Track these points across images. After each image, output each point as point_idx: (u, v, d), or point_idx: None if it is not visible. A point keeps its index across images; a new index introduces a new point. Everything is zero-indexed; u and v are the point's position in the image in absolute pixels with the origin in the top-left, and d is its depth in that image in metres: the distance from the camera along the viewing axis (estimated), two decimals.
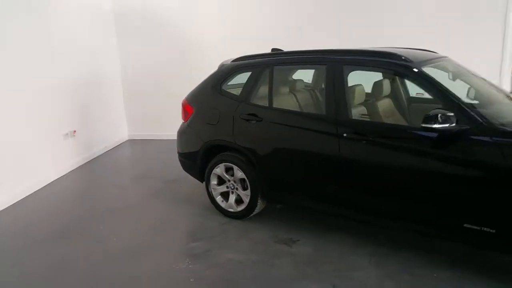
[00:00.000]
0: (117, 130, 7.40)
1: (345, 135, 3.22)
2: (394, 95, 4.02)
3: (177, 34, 6.98)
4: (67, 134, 5.95)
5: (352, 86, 3.49)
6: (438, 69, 3.42)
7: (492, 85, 3.71)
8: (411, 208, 3.09)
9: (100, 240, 3.75)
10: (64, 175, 5.66)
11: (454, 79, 3.54)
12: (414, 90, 4.04)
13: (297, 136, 3.53)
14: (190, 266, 3.27)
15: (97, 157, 6.50)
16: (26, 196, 4.85)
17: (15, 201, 4.68)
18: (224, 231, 3.84)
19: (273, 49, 4.23)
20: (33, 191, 4.99)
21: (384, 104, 3.78)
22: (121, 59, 7.40)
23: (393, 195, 3.15)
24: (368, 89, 3.78)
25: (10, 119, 4.71)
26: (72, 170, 5.86)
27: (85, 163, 6.18)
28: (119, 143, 7.30)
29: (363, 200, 3.30)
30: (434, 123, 2.74)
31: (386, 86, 3.86)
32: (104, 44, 7.01)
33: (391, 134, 3.11)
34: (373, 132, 3.14)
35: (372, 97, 3.75)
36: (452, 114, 2.76)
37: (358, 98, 3.52)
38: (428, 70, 3.17)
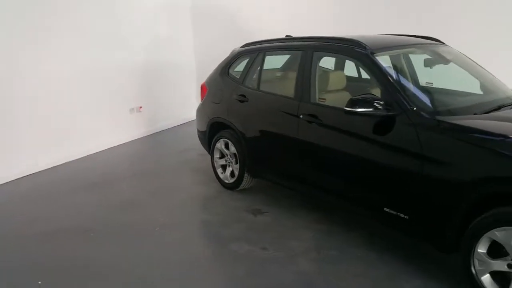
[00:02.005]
0: (186, 110, 8.28)
1: (301, 116, 3.47)
2: (354, 80, 4.05)
3: (244, 27, 7.50)
4: (133, 108, 6.98)
5: (327, 71, 3.68)
6: (406, 55, 3.57)
7: (490, 79, 3.57)
8: (346, 188, 3.25)
9: (117, 192, 4.58)
10: (126, 142, 6.68)
11: (430, 66, 3.52)
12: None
13: (271, 117, 3.87)
14: (167, 219, 3.85)
15: (162, 131, 7.44)
16: (93, 153, 6.01)
17: (84, 156, 5.87)
18: (214, 198, 4.35)
19: (286, 36, 4.54)
20: (98, 151, 6.12)
21: (343, 89, 3.85)
22: (195, 49, 8.26)
23: (333, 175, 3.34)
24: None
25: (86, 92, 5.93)
26: (133, 139, 6.86)
27: (148, 135, 7.14)
28: (187, 121, 8.17)
29: (314, 177, 3.53)
30: (358, 107, 2.87)
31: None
32: (179, 35, 7.94)
33: (334, 117, 3.27)
34: (322, 115, 3.34)
35: (338, 81, 3.86)
36: (378, 98, 2.85)
37: (328, 83, 3.70)
38: (385, 57, 3.26)
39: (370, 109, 2.85)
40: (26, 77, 5.08)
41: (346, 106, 2.92)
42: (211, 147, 4.68)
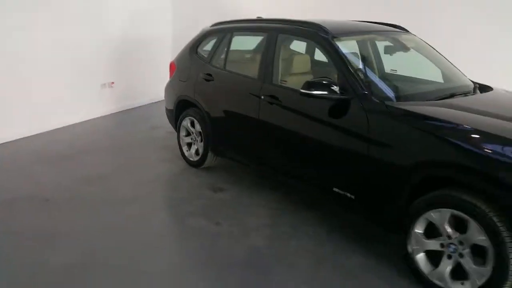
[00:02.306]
0: (161, 88, 8.19)
1: (262, 97, 3.54)
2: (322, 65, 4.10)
3: (228, 5, 7.44)
4: (104, 84, 6.91)
5: (292, 54, 3.74)
6: (372, 41, 3.70)
7: (449, 67, 3.71)
8: (300, 168, 3.35)
9: (81, 165, 4.59)
10: (97, 117, 6.65)
11: (389, 53, 3.61)
12: None
13: (235, 97, 3.92)
14: (128, 193, 3.91)
15: (133, 108, 7.40)
16: (62, 127, 5.99)
17: (52, 129, 5.84)
18: (178, 175, 4.42)
19: (257, 17, 4.56)
20: (68, 124, 6.11)
21: (305, 72, 3.90)
22: (173, 25, 8.14)
23: (289, 155, 3.43)
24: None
25: (57, 66, 5.87)
26: (105, 115, 6.82)
27: (120, 111, 7.10)
28: (162, 99, 8.10)
29: (272, 158, 3.62)
30: (313, 90, 2.94)
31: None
32: (157, 8, 7.82)
33: (292, 99, 3.34)
34: (282, 96, 3.40)
35: (302, 65, 3.92)
36: (334, 82, 2.93)
37: (292, 66, 3.76)
38: (347, 42, 3.33)
39: (325, 92, 2.92)
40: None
41: (301, 88, 2.99)
42: (178, 124, 4.72)
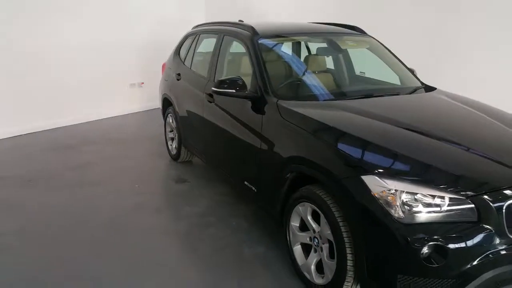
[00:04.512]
0: None
1: (204, 95, 3.80)
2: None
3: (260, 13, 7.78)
4: (134, 84, 7.62)
5: (238, 55, 3.95)
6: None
7: (398, 68, 3.74)
8: (225, 163, 3.57)
9: (79, 154, 5.22)
10: (124, 114, 7.39)
11: (324, 54, 3.68)
12: None
13: (191, 95, 4.21)
14: (101, 179, 4.41)
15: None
16: (93, 120, 6.84)
17: (83, 122, 6.72)
18: (155, 167, 4.85)
19: (239, 21, 4.83)
20: (99, 119, 6.95)
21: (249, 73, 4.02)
22: None
23: (218, 151, 3.67)
24: None
25: (91, 65, 6.72)
26: (132, 112, 7.53)
27: (148, 110, 7.76)
28: None
29: (211, 153, 3.88)
30: (222, 88, 3.14)
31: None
32: (191, 16, 8.31)
33: (221, 98, 3.53)
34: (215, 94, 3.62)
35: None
36: (242, 81, 3.11)
37: (241, 66, 3.95)
38: (272, 43, 3.48)
39: (233, 91, 3.10)
40: (40, 47, 6.04)
41: (213, 87, 3.20)
42: (164, 121, 5.14)
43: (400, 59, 3.86)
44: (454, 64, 5.08)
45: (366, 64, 3.98)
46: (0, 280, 2.70)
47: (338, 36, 3.79)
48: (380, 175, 2.11)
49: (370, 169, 2.16)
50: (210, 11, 8.58)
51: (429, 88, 3.49)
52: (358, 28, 4.02)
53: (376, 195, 2.08)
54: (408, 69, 3.80)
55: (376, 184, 2.09)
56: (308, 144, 2.53)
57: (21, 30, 5.81)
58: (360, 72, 4.16)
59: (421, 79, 3.70)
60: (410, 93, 3.36)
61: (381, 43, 3.92)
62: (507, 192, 2.06)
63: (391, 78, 3.77)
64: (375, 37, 3.95)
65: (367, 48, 3.89)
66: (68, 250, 3.05)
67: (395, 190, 2.05)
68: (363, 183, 2.12)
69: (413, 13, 5.43)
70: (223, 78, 3.19)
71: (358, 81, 3.84)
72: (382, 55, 3.83)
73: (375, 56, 3.85)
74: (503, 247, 2.00)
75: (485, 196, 2.03)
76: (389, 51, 3.88)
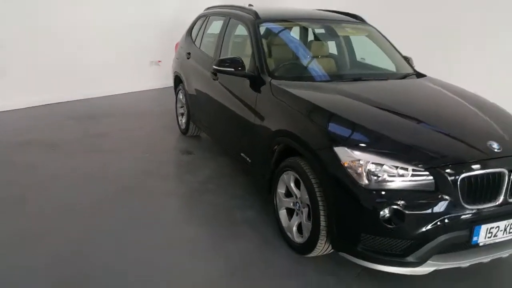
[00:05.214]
0: None
1: (209, 73, 4.10)
2: None
3: None
4: (152, 61, 7.99)
5: (243, 37, 4.23)
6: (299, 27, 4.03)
7: (391, 54, 3.97)
8: (225, 136, 3.90)
9: (97, 125, 5.65)
10: (142, 90, 7.83)
11: (317, 40, 3.95)
12: None
13: (199, 72, 4.52)
14: (114, 147, 4.81)
15: None
16: (114, 94, 7.36)
17: (105, 95, 7.21)
18: (165, 139, 5.21)
19: (249, 5, 5.10)
20: (120, 93, 7.45)
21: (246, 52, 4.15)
22: None
23: (220, 125, 4.00)
24: None
25: (115, 44, 7.22)
26: (149, 89, 7.92)
27: (162, 87, 8.13)
28: None
29: (215, 128, 4.21)
30: (222, 66, 3.44)
31: None
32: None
33: (224, 76, 3.81)
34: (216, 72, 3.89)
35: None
36: (241, 61, 3.40)
37: (245, 48, 4.22)
38: (272, 27, 3.75)
39: (232, 69, 3.40)
40: (69, 27, 6.59)
41: (214, 65, 3.51)
42: (176, 97, 5.48)
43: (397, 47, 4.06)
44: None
45: (366, 51, 4.21)
46: (15, 226, 3.10)
47: (336, 23, 4.02)
48: (350, 146, 2.40)
49: (342, 142, 2.45)
50: None
51: (419, 75, 3.72)
52: (359, 16, 4.24)
53: (346, 164, 2.37)
54: (404, 57, 4.00)
55: (346, 155, 2.38)
56: (292, 119, 2.83)
57: (51, 12, 6.34)
58: (361, 58, 4.40)
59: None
60: (399, 79, 3.59)
61: (379, 32, 4.13)
62: (463, 166, 2.32)
63: (387, 64, 4.00)
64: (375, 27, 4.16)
65: (366, 36, 4.11)
66: (77, 203, 3.45)
67: (362, 160, 2.33)
68: (335, 154, 2.42)
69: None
70: (223, 57, 3.47)
71: (351, 66, 4.08)
72: (380, 43, 4.05)
73: (373, 43, 4.08)
74: (457, 215, 2.27)
75: (443, 170, 2.29)
76: (387, 39, 4.09)
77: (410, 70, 3.81)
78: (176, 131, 5.42)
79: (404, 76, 3.65)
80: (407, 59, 4.00)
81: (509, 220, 2.37)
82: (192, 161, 4.50)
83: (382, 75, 3.72)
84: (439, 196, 2.26)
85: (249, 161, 3.41)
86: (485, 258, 2.41)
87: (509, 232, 2.40)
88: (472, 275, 2.68)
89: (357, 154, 2.36)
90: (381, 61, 4.02)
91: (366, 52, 4.21)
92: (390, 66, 3.93)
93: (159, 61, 8.12)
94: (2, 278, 2.50)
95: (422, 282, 2.58)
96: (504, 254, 2.47)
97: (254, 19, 3.68)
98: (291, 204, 2.91)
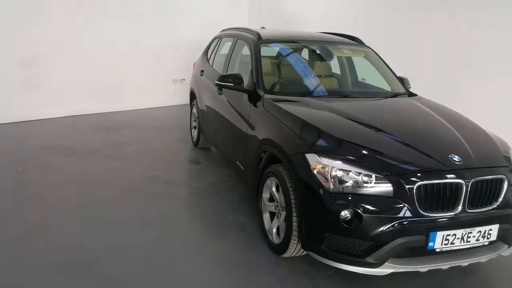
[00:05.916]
0: None
1: (215, 88, 4.45)
2: None
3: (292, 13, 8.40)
4: (176, 80, 8.50)
5: (247, 56, 4.57)
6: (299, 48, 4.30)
7: (385, 74, 4.20)
8: (226, 146, 4.21)
9: (119, 135, 6.11)
10: (166, 106, 8.33)
11: (312, 60, 4.24)
12: None
13: (208, 87, 4.88)
14: (135, 153, 5.21)
15: None
16: (137, 109, 7.88)
17: (128, 110, 7.78)
18: (178, 151, 5.57)
19: (261, 27, 5.48)
20: (142, 108, 7.97)
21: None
22: None
23: (221, 136, 4.31)
24: None
25: (142, 63, 7.87)
26: (171, 105, 8.41)
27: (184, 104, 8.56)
28: None
29: (218, 140, 4.53)
30: (223, 82, 3.78)
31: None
32: (233, 22, 9.10)
33: (227, 91, 4.15)
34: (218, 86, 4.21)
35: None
36: (241, 77, 3.73)
37: (244, 65, 4.53)
38: (272, 48, 4.08)
39: (231, 84, 3.74)
40: (102, 47, 7.33)
41: (216, 80, 3.85)
42: (190, 111, 5.87)
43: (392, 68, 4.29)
44: None
45: (362, 71, 4.46)
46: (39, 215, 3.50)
47: (332, 44, 4.30)
48: (319, 153, 2.65)
49: (312, 149, 2.70)
50: (253, 17, 9.27)
51: (411, 95, 3.92)
52: (357, 38, 4.51)
53: (315, 170, 2.61)
54: (398, 77, 4.22)
55: (315, 161, 2.63)
56: (275, 128, 3.11)
57: (86, 32, 7.06)
58: (362, 78, 4.64)
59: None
60: (389, 97, 3.81)
61: (376, 53, 4.38)
62: (419, 175, 2.52)
63: (380, 84, 4.22)
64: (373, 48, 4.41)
65: (363, 57, 4.37)
66: (89, 203, 3.82)
67: (330, 166, 2.57)
68: (306, 160, 2.67)
69: None
70: (225, 73, 3.81)
71: (341, 85, 4.30)
72: (375, 63, 4.29)
73: (370, 64, 4.33)
74: (413, 220, 2.46)
75: (400, 177, 2.50)
76: (383, 61, 4.33)
77: (402, 90, 4.01)
78: (189, 143, 5.78)
79: (394, 95, 3.85)
80: (402, 80, 4.20)
81: (466, 229, 2.52)
82: (199, 170, 4.82)
83: (370, 93, 3.93)
84: (397, 202, 2.46)
85: (242, 168, 3.70)
86: (444, 265, 2.56)
87: (467, 241, 2.55)
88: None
89: (325, 160, 2.60)
90: (376, 80, 4.25)
91: (363, 72, 4.45)
92: (384, 86, 4.14)
93: (183, 79, 8.58)
94: (19, 260, 2.89)
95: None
96: (464, 262, 2.61)
97: (257, 40, 4.01)
98: (273, 208, 3.16)
